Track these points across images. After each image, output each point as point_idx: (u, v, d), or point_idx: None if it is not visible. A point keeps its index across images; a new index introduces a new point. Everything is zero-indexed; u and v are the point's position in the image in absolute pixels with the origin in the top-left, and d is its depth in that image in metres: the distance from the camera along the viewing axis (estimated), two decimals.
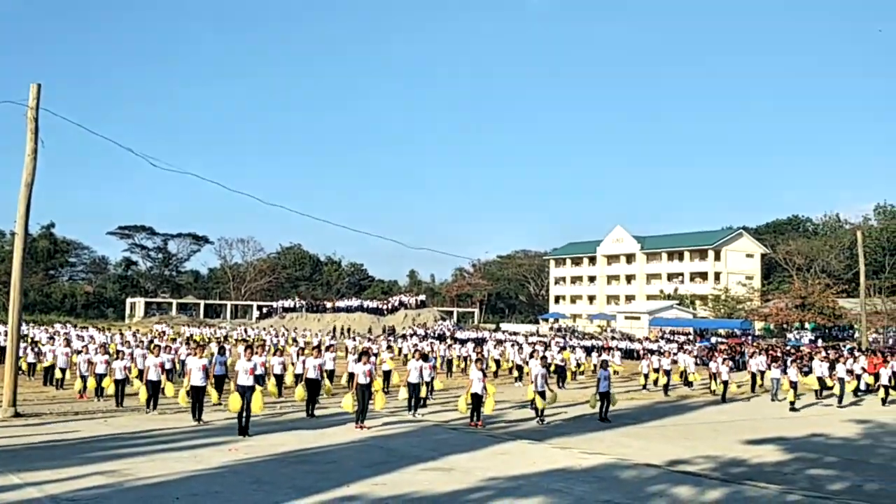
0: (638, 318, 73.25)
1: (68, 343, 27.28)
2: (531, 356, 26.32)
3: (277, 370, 22.62)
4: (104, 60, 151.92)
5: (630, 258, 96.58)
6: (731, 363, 28.16)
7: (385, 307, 72.23)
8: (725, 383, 25.56)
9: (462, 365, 33.73)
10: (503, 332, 64.83)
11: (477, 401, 17.62)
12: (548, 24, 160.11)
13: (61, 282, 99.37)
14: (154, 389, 18.85)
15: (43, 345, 29.26)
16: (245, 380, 15.26)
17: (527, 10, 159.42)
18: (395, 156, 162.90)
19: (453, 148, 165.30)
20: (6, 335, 30.87)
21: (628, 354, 44.91)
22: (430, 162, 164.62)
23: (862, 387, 26.87)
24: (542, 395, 18.72)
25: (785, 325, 60.54)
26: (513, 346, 38.32)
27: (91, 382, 21.36)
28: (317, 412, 18.73)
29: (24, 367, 26.05)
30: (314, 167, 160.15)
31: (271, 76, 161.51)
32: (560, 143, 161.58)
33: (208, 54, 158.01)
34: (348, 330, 51.90)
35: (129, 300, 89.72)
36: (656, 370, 28.47)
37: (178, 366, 24.06)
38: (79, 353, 23.23)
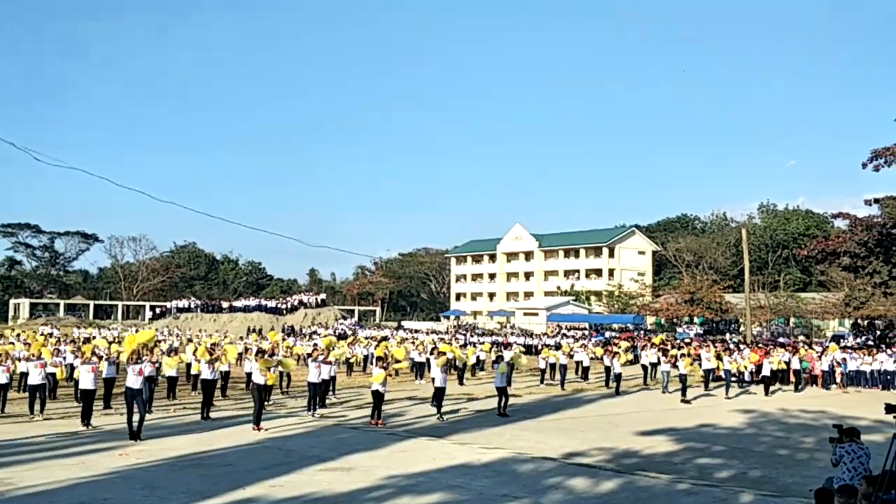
0: (536, 315, 74.64)
1: None
2: (431, 353, 26.49)
3: (171, 373, 21.90)
4: None
5: (529, 256, 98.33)
6: (622, 357, 29.01)
7: (284, 306, 71.09)
8: (618, 377, 26.34)
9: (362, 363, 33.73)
10: (405, 329, 64.89)
11: (378, 399, 17.58)
12: (433, 16, 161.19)
13: None
14: (36, 394, 18.02)
15: None
16: (134, 382, 14.79)
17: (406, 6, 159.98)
18: (293, 151, 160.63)
19: (353, 144, 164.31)
20: None
21: (527, 350, 45.69)
22: (329, 158, 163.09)
23: (747, 378, 28.20)
24: (442, 391, 18.85)
25: (675, 320, 62.80)
26: (412, 343, 38.43)
27: None
28: (212, 414, 18.29)
29: None
30: (209, 164, 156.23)
31: (163, 71, 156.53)
32: (460, 142, 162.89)
33: (100, 49, 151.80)
34: (258, 330, 50.81)
35: (12, 301, 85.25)
36: (552, 365, 29.20)
37: (64, 370, 23.02)
38: None
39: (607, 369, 28.15)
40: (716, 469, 12.99)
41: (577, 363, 31.98)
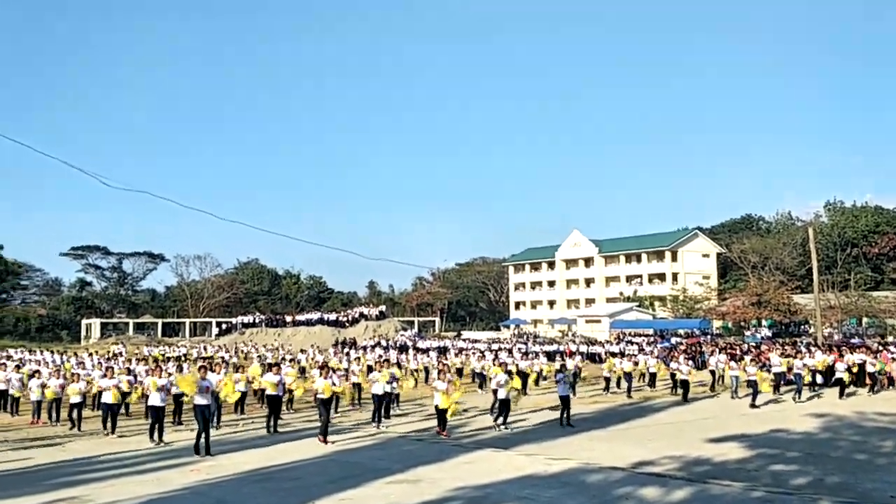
0: (599, 322, 73.80)
1: (19, 368, 26.56)
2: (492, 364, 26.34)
3: (241, 387, 22.19)
4: (55, 82, 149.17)
5: (588, 262, 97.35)
6: (690, 362, 28.47)
7: (345, 319, 71.76)
8: (686, 383, 25.82)
9: (424, 375, 33.75)
10: (465, 339, 64.83)
11: (441, 411, 17.57)
12: (491, 24, 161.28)
13: (13, 305, 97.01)
14: (110, 412, 18.48)
15: None
16: (202, 399, 15.01)
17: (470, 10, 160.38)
18: (350, 165, 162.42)
19: (407, 156, 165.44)
20: None
21: (590, 358, 45.22)
22: (385, 170, 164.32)
23: (819, 381, 27.36)
24: (506, 402, 18.70)
25: (742, 323, 61.42)
26: (474, 354, 38.40)
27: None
28: (278, 428, 18.49)
29: None
30: (270, 182, 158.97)
31: (222, 94, 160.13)
32: (514, 148, 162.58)
33: (160, 75, 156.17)
34: (311, 345, 51.50)
35: (84, 322, 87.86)
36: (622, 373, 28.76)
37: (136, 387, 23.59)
38: (31, 377, 22.66)
39: (672, 376, 27.65)
40: (791, 476, 12.61)
41: (643, 370, 31.38)
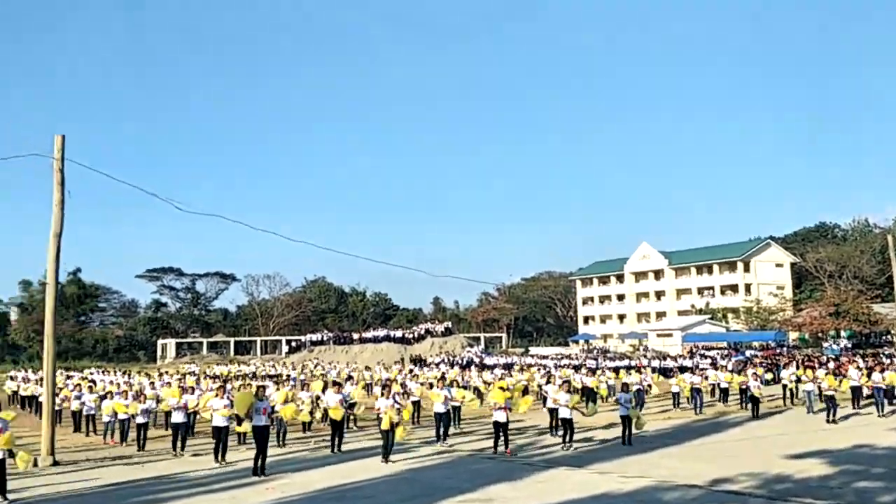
0: (670, 335, 72.48)
1: (92, 389, 27.32)
2: (547, 381, 25.86)
3: (305, 407, 22.31)
4: (127, 108, 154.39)
5: (658, 274, 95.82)
6: (768, 375, 27.56)
7: (411, 336, 72.08)
8: (755, 399, 24.95)
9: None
10: (532, 356, 64.36)
11: (500, 428, 17.39)
12: (566, 34, 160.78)
13: (92, 327, 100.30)
14: (178, 431, 18.83)
15: (71, 390, 29.26)
16: (259, 420, 15.15)
17: (549, 19, 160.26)
18: (413, 185, 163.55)
19: (470, 170, 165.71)
20: (37, 382, 31.21)
21: (662, 372, 44.34)
22: (448, 186, 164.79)
23: None
24: (570, 421, 18.35)
25: (820, 334, 59.56)
26: (538, 370, 38.05)
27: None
28: (343, 447, 18.47)
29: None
30: (333, 200, 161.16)
31: (289, 119, 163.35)
32: (578, 161, 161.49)
33: (231, 100, 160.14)
34: (377, 362, 51.89)
35: (160, 342, 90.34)
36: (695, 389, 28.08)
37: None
38: (104, 397, 23.25)
39: (742, 391, 26.90)
40: (878, 493, 12.09)
41: (713, 385, 30.48)
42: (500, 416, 17.37)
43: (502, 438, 17.44)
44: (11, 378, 40.96)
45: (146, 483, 14.62)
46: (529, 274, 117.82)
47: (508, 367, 46.88)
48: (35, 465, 16.90)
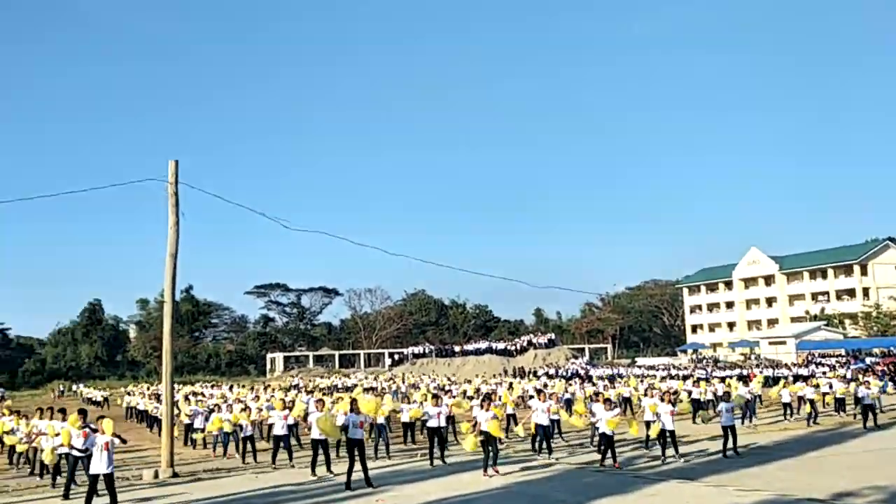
0: (783, 343, 69.58)
1: (203, 402, 28.26)
2: (645, 393, 25.01)
3: (405, 418, 22.40)
4: (236, 131, 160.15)
5: (769, 280, 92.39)
6: (891, 383, 26.06)
7: (514, 348, 71.72)
8: (868, 408, 23.50)
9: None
10: (640, 366, 62.99)
11: (606, 441, 17.01)
12: (681, 47, 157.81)
13: (205, 342, 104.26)
14: (280, 444, 19.12)
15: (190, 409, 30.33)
16: (354, 433, 15.06)
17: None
18: (512, 194, 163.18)
19: (570, 178, 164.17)
20: (151, 397, 32.59)
21: (774, 382, 42.64)
22: (549, 194, 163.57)
23: None
24: (672, 433, 17.79)
25: None
26: (639, 380, 37.21)
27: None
28: (445, 459, 18.35)
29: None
30: (431, 212, 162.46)
31: (387, 137, 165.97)
32: (682, 162, 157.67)
33: (330, 120, 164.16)
34: (477, 374, 51.88)
35: (268, 356, 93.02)
36: (801, 398, 26.86)
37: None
38: (212, 410, 23.99)
39: (856, 400, 25.52)
40: None
41: (825, 394, 28.94)
42: (607, 429, 17.00)
43: (610, 451, 17.09)
44: (129, 393, 42.95)
45: (259, 495, 14.95)
46: (634, 283, 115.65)
47: (613, 378, 46.06)
48: (156, 476, 17.62)
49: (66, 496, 14.90)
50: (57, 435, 15.64)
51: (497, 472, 15.97)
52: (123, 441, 14.27)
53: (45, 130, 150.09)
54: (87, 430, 13.89)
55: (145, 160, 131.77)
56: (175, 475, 18.07)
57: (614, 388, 33.55)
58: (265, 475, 17.78)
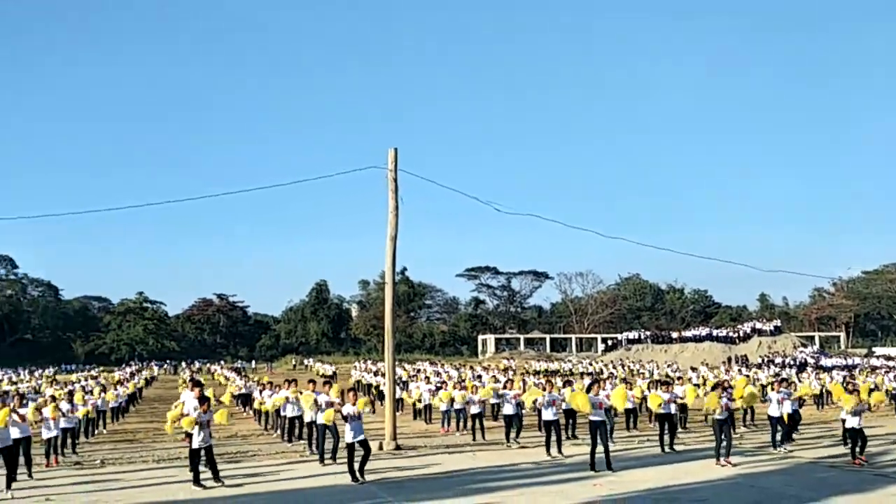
0: None
1: (428, 380, 29.38)
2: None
3: (629, 405, 22.14)
4: (450, 121, 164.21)
5: None
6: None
7: (736, 335, 68.38)
8: None
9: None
10: (878, 357, 57.87)
11: (854, 435, 15.73)
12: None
13: (420, 322, 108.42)
14: (510, 423, 19.58)
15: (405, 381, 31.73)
16: (598, 415, 15.08)
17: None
18: (731, 172, 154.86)
19: (793, 156, 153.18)
20: (376, 374, 34.46)
21: None
22: (770, 171, 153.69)
23: None
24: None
25: None
26: (888, 373, 34.10)
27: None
28: (675, 447, 17.98)
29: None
30: (648, 196, 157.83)
31: (587, 117, 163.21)
32: None
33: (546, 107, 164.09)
34: (702, 361, 49.89)
35: (479, 337, 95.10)
36: None
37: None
38: (438, 388, 24.92)
39: None
40: None
41: None
42: (854, 422, 15.75)
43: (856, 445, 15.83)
44: (355, 368, 46.33)
45: (478, 472, 15.34)
46: (871, 266, 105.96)
47: (850, 369, 42.69)
48: (380, 448, 18.55)
49: (322, 461, 16.31)
50: (320, 407, 16.83)
51: (729, 463, 15.35)
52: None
53: (286, 129, 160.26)
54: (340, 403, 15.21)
55: (366, 147, 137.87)
56: (398, 448, 18.93)
57: (854, 378, 31.01)
58: (483, 453, 18.19)
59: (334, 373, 54.25)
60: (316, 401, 16.79)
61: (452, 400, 22.84)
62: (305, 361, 77.94)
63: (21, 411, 14.85)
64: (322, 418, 16.08)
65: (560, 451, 17.03)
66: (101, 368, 62.91)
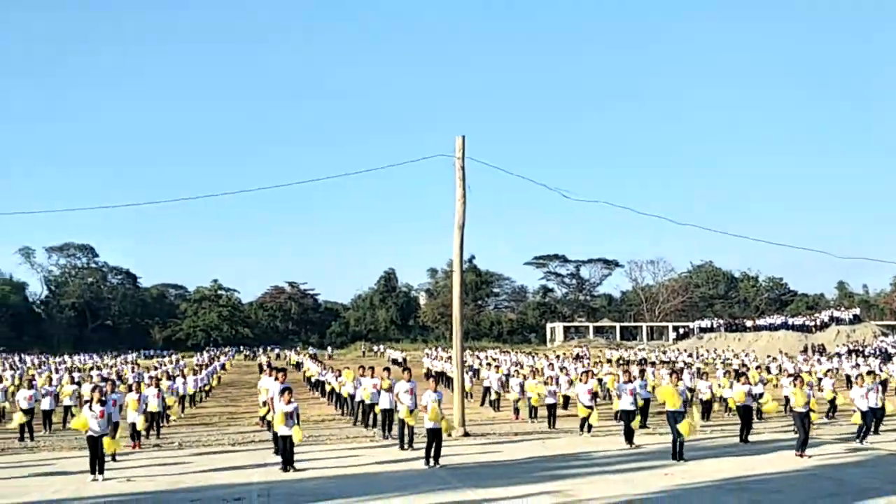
0: None
1: (497, 368, 29.47)
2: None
3: (704, 395, 22.13)
4: (520, 107, 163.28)
5: None
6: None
7: (812, 324, 66.45)
8: None
9: None
10: None
11: None
12: None
13: (488, 310, 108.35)
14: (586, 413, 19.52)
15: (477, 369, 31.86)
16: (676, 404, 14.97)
17: None
18: (810, 156, 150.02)
19: (876, 135, 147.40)
20: (446, 360, 34.68)
21: None
22: (850, 152, 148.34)
23: None
24: None
25: None
26: None
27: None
28: (751, 437, 17.65)
29: (467, 388, 28.59)
30: (721, 180, 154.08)
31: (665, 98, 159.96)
32: None
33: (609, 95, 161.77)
34: (780, 350, 48.72)
35: (548, 325, 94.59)
36: None
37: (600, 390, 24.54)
38: (508, 377, 24.99)
39: None
40: None
41: None
42: None
43: None
44: (427, 355, 46.89)
45: (547, 459, 15.37)
46: None
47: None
48: (449, 434, 18.68)
49: (402, 447, 16.48)
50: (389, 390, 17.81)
51: (806, 455, 15.04)
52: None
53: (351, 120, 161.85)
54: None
55: (435, 135, 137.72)
56: (466, 434, 19.06)
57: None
58: (551, 441, 18.20)
59: (404, 359, 54.97)
60: (392, 387, 17.03)
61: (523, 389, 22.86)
62: (374, 348, 78.87)
63: (113, 396, 15.41)
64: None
65: (631, 442, 16.87)
66: (182, 354, 64.85)
